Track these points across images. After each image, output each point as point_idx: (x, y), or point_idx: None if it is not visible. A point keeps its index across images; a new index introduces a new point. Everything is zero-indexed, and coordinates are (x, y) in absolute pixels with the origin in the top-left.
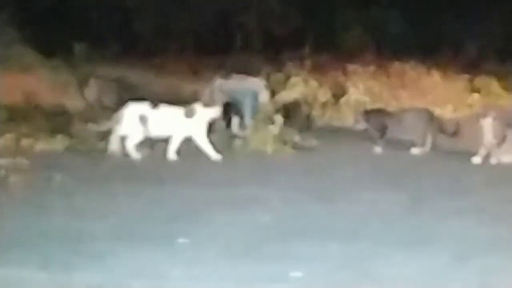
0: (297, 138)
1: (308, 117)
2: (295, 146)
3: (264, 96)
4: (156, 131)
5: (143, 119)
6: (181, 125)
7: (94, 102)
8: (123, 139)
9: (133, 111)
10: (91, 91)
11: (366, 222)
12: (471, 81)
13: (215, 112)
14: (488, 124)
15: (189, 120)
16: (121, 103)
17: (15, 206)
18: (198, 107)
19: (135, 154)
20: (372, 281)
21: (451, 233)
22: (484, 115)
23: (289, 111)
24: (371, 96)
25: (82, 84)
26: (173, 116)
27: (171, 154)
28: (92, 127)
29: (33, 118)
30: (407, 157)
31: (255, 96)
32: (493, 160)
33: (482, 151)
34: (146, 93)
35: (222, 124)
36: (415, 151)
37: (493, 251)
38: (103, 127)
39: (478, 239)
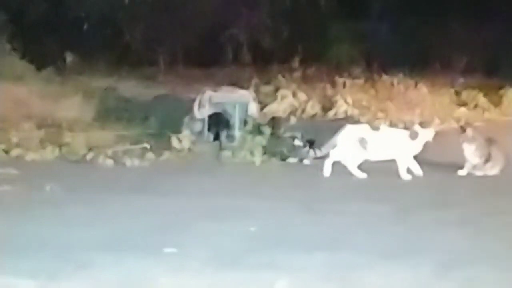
0: (285, 149)
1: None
2: (283, 158)
3: (253, 108)
4: (377, 155)
5: (363, 142)
6: (405, 147)
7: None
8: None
9: (352, 133)
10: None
11: (351, 232)
12: (458, 94)
13: (431, 133)
14: (471, 150)
15: (412, 142)
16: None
17: (5, 215)
18: (418, 129)
19: (360, 174)
20: None
21: (435, 245)
22: (467, 141)
23: (278, 123)
24: (360, 109)
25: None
26: (397, 139)
27: (404, 175)
28: (311, 154)
29: (23, 128)
30: (392, 169)
31: (244, 108)
32: (478, 173)
33: (468, 166)
34: (135, 104)
35: (211, 135)
36: None
37: (476, 262)
38: (325, 151)
39: (462, 251)
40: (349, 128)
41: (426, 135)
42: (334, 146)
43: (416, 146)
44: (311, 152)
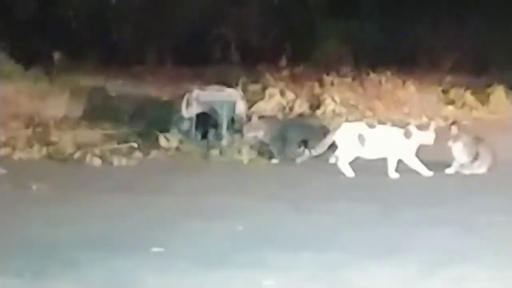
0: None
1: None
2: (271, 156)
3: (240, 106)
4: (372, 152)
5: (361, 139)
6: (398, 145)
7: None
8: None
9: (350, 131)
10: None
11: (339, 231)
12: (445, 93)
13: (430, 137)
14: (459, 149)
15: (406, 141)
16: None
17: None
18: (413, 129)
19: (349, 172)
20: None
21: (422, 243)
22: (454, 139)
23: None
24: (347, 108)
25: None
26: (391, 137)
27: (392, 173)
28: (306, 153)
29: (11, 127)
30: (379, 167)
31: (231, 107)
32: (466, 171)
33: (456, 164)
34: (123, 103)
35: (198, 134)
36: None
37: (464, 261)
38: (320, 150)
39: (449, 249)
40: (346, 126)
41: (423, 137)
42: (329, 144)
43: (410, 146)
44: (306, 151)
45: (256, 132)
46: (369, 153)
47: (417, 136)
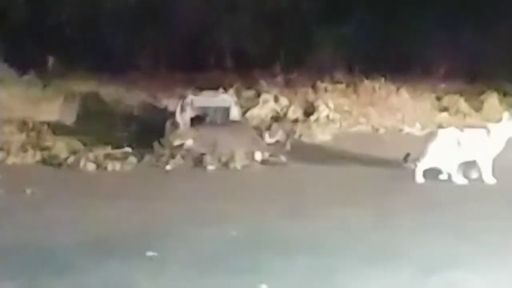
0: (266, 154)
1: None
2: (264, 162)
3: (234, 112)
4: (465, 156)
5: (459, 144)
6: (487, 146)
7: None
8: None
9: (448, 136)
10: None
11: (333, 236)
12: (439, 99)
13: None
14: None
15: (490, 140)
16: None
17: None
18: (492, 127)
19: (420, 179)
20: None
21: (416, 249)
22: None
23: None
24: (341, 114)
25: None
26: (480, 139)
27: (489, 178)
28: (416, 165)
29: (4, 132)
30: (374, 174)
31: (226, 113)
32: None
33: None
34: (117, 109)
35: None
36: None
37: (456, 266)
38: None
39: (443, 254)
40: (443, 132)
41: (502, 132)
42: (431, 153)
43: (494, 147)
44: (409, 165)
45: (184, 140)
46: (463, 157)
47: (498, 133)
